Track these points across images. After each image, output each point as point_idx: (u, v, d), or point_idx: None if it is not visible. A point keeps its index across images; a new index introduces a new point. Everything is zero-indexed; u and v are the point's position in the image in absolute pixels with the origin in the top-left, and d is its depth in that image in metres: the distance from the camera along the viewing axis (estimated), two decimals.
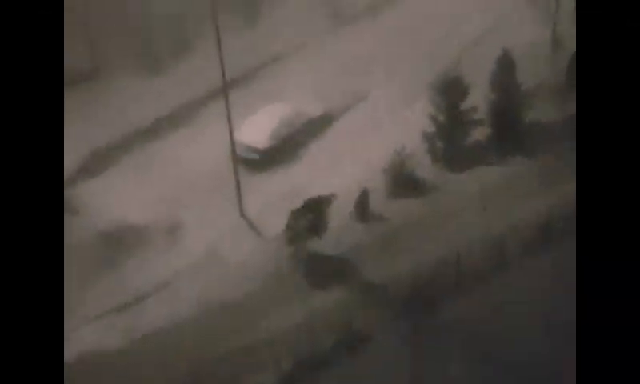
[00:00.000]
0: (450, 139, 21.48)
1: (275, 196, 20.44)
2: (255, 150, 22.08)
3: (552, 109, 23.01)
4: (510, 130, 21.80)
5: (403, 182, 20.26)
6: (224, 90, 19.53)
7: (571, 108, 21.98)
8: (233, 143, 19.94)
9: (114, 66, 27.49)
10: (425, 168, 20.83)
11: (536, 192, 19.68)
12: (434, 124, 21.44)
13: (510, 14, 29.30)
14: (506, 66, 22.04)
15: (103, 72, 27.56)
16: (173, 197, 20.71)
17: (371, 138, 22.77)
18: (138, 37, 28.16)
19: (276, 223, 19.05)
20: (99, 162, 22.80)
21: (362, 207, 19.45)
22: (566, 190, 18.81)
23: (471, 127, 21.73)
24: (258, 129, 22.53)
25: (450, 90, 21.31)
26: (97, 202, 20.65)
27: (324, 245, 18.50)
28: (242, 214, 19.91)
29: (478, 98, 21.70)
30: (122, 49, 27.94)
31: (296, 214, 18.15)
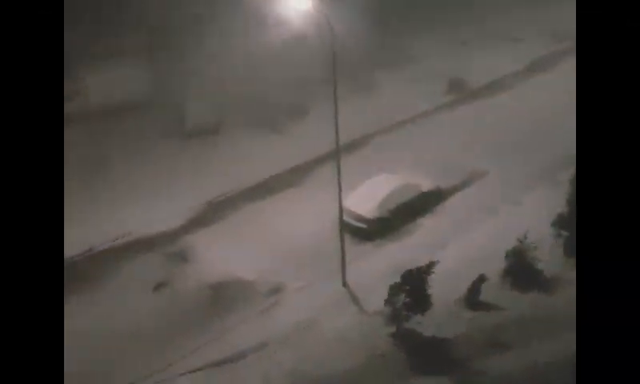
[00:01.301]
0: (574, 232, 19.83)
1: (380, 269, 19.48)
2: (363, 219, 21.46)
3: None
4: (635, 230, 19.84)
5: (521, 271, 18.76)
6: (337, 155, 19.38)
7: None
8: (341, 209, 19.54)
9: (233, 123, 28.61)
10: (547, 260, 19.18)
11: None
12: (565, 213, 19.88)
13: None
14: None
15: (223, 127, 28.75)
16: (278, 257, 20.41)
17: (484, 221, 21.60)
18: (259, 96, 29.24)
19: (379, 298, 18.13)
20: (212, 213, 23.15)
21: (474, 293, 18.17)
22: None
23: None
24: (367, 198, 21.96)
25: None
26: (206, 253, 20.78)
27: (426, 325, 17.39)
28: (345, 284, 19.21)
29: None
30: (242, 107, 29.09)
31: (395, 289, 17.24)
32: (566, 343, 16.01)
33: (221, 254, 20.56)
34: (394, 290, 17.13)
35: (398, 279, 17.60)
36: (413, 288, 17.03)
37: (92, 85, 28.94)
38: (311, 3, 18.84)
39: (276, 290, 19.27)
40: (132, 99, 29.01)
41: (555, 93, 29.26)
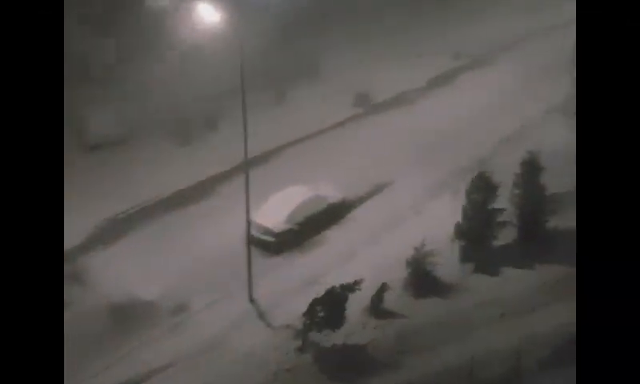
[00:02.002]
0: (475, 239, 20.71)
1: (288, 283, 19.51)
2: (271, 232, 21.34)
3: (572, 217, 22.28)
4: (534, 236, 21.06)
5: (422, 279, 19.34)
6: (245, 167, 19.22)
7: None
8: (248, 223, 19.38)
9: (140, 134, 27.66)
10: (446, 267, 19.85)
11: (554, 303, 18.38)
12: (462, 222, 20.73)
13: (537, 117, 29.34)
14: (531, 169, 21.59)
15: (129, 138, 27.74)
16: (183, 274, 19.85)
17: (391, 230, 22.07)
18: (168, 107, 28.49)
19: (288, 311, 18.14)
20: (113, 230, 22.29)
21: (379, 302, 18.50)
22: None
23: (498, 229, 21.02)
24: (275, 211, 21.90)
25: (479, 189, 20.75)
26: (106, 273, 19.85)
27: (335, 338, 17.48)
28: (252, 300, 18.95)
29: (505, 200, 21.16)
30: (149, 118, 28.21)
31: (316, 303, 17.25)
32: (465, 346, 16.73)
33: (121, 274, 19.77)
34: (315, 304, 17.10)
35: (306, 293, 17.67)
36: (333, 305, 17.12)
37: None
38: (220, 18, 18.70)
39: (182, 308, 18.76)
40: None
41: (454, 107, 30.58)
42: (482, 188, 20.76)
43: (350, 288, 17.35)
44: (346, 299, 17.26)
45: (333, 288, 17.27)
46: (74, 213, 22.38)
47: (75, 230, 21.66)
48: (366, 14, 40.06)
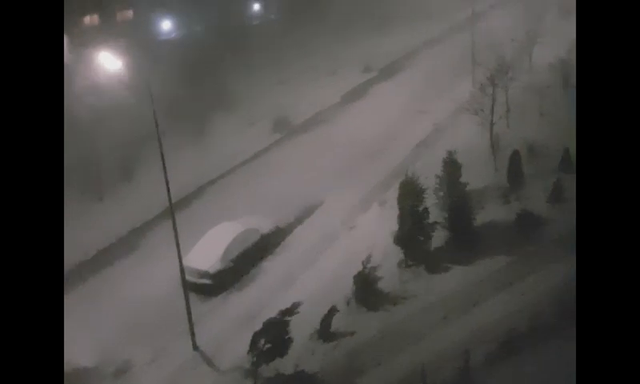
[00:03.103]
0: (411, 245, 20.81)
1: (231, 322, 18.76)
2: (206, 275, 20.52)
3: (500, 208, 23.04)
4: (464, 233, 21.47)
5: (368, 293, 19.23)
6: (170, 212, 18.51)
7: (517, 207, 22.24)
8: (182, 269, 18.58)
9: None
10: (387, 277, 19.82)
11: (493, 296, 18.72)
12: (396, 230, 20.79)
13: (447, 118, 30.30)
14: (452, 167, 22.08)
15: None
16: (120, 334, 18.80)
17: (327, 250, 21.94)
18: (80, 163, 27.25)
19: (234, 352, 17.46)
20: None
21: (326, 325, 18.18)
22: (523, 289, 18.67)
23: (429, 231, 21.23)
24: (208, 251, 21.11)
25: (406, 195, 20.92)
26: None
27: (286, 365, 17.00)
28: (196, 347, 18.16)
29: (432, 201, 21.51)
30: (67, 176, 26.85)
31: (258, 336, 16.70)
32: (415, 354, 16.67)
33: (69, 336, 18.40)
34: (256, 338, 16.57)
35: (250, 330, 17.10)
36: (275, 333, 16.60)
37: None
38: (125, 65, 18.08)
39: (123, 369, 17.64)
40: None
41: (369, 119, 31.10)
42: (409, 193, 20.97)
43: (289, 312, 16.94)
44: (286, 324, 16.85)
45: (270, 318, 16.82)
46: None
47: None
48: (272, 40, 40.37)
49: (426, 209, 20.83)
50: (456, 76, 34.38)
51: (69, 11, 39.52)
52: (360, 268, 19.39)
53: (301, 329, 17.69)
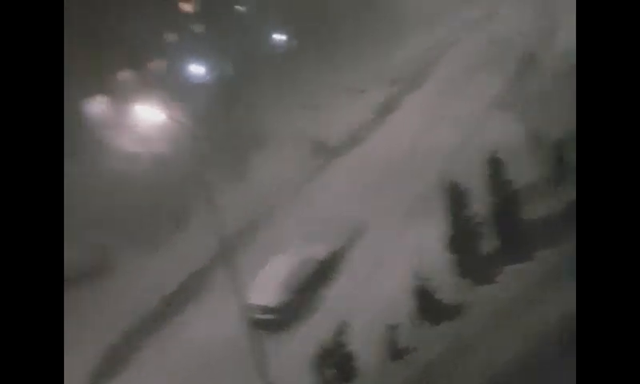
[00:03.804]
0: (464, 251, 20.70)
1: (302, 354, 19.11)
2: (269, 310, 20.89)
3: (547, 202, 22.65)
4: (513, 232, 21.18)
5: (430, 306, 19.19)
6: (225, 253, 18.95)
7: (565, 198, 21.81)
8: (245, 308, 18.96)
9: (109, 256, 27.11)
10: (446, 287, 19.77)
11: (553, 292, 18.39)
12: (447, 238, 20.72)
13: (484, 117, 29.96)
14: (495, 167, 21.89)
15: (102, 263, 27.17)
16: (193, 379, 19.35)
17: (382, 268, 21.95)
18: (134, 215, 28.06)
19: (311, 382, 17.74)
20: (114, 359, 21.54)
21: (392, 343, 18.26)
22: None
23: (478, 235, 21.10)
24: (267, 286, 21.49)
25: (452, 201, 20.82)
26: None
27: None
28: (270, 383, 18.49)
29: (479, 204, 21.34)
30: (118, 235, 27.72)
31: (320, 365, 16.91)
32: (483, 366, 16.51)
33: None
34: (319, 367, 16.78)
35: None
36: (335, 359, 16.78)
37: None
38: (164, 114, 18.79)
39: None
40: None
41: (403, 129, 31.06)
42: (453, 200, 20.91)
43: (339, 334, 17.01)
44: (343, 347, 16.94)
45: (325, 344, 16.94)
46: (70, 351, 21.75)
47: (77, 366, 20.98)
48: (295, 65, 40.75)
49: (472, 213, 20.73)
50: (481, 73, 34.09)
51: (102, 67, 41.02)
52: (416, 282, 19.41)
53: (366, 351, 17.82)
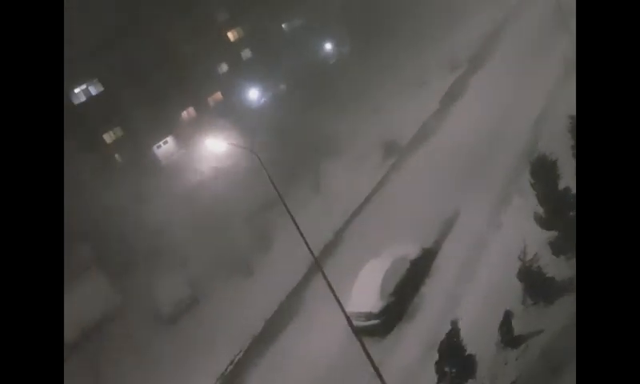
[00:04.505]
0: (561, 223, 19.71)
1: (412, 356, 18.74)
2: (372, 316, 20.51)
3: None
4: None
5: (539, 286, 18.36)
6: (318, 267, 18.83)
7: None
8: (349, 319, 18.73)
9: (204, 288, 27.78)
10: (553, 265, 18.88)
11: None
12: (543, 214, 19.80)
13: (551, 84, 28.68)
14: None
15: (197, 295, 27.94)
16: None
17: (482, 257, 21.11)
18: (227, 246, 28.67)
19: (427, 381, 17.29)
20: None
21: (508, 331, 17.52)
22: None
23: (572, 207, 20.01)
24: (365, 293, 21.07)
25: (541, 176, 19.88)
26: None
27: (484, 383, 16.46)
28: None
29: (569, 175, 20.33)
30: (212, 266, 28.43)
31: (439, 366, 16.42)
32: None
33: None
34: (439, 368, 16.33)
35: (431, 358, 16.89)
36: (454, 357, 16.28)
37: None
38: (231, 143, 19.10)
39: None
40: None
41: (474, 112, 30.19)
42: (543, 173, 19.95)
43: (454, 331, 16.42)
44: (459, 344, 16.36)
45: (441, 343, 16.43)
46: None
47: None
48: (353, 72, 40.69)
49: (566, 186, 19.73)
50: (546, 37, 32.67)
51: (169, 111, 42.75)
52: (519, 264, 18.61)
53: (482, 344, 17.17)
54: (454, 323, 16.51)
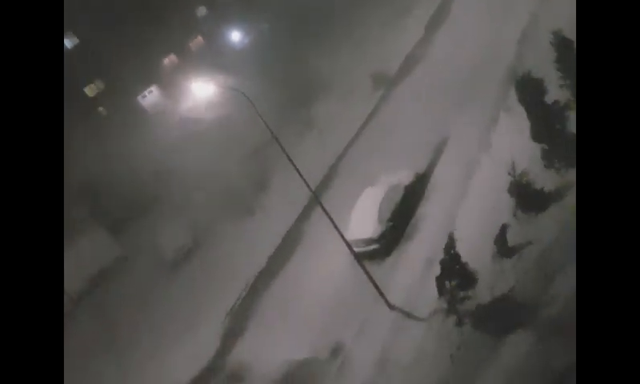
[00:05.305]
0: (549, 137, 20.30)
1: (413, 274, 19.51)
2: (372, 241, 21.28)
3: None
4: None
5: (531, 197, 19.05)
6: (317, 200, 19.42)
7: None
8: (350, 246, 19.49)
9: (204, 239, 28.32)
10: (541, 175, 19.36)
11: None
12: (531, 128, 20.33)
13: (538, 3, 28.58)
14: (562, 46, 21.03)
15: (198, 241, 28.61)
16: (317, 323, 19.96)
17: (475, 176, 21.63)
18: (228, 187, 29.08)
19: (428, 298, 18.11)
20: (237, 319, 22.90)
21: (503, 242, 18.33)
22: None
23: (562, 117, 20.54)
24: (363, 220, 21.80)
25: (527, 92, 20.26)
26: (262, 356, 20.30)
27: (482, 293, 17.32)
28: (393, 307, 18.78)
29: (555, 87, 20.72)
30: (213, 211, 28.92)
31: (441, 279, 17.26)
32: None
33: (272, 348, 20.20)
34: (440, 282, 17.13)
35: (431, 274, 17.74)
36: (454, 269, 17.07)
37: None
38: (217, 86, 19.19)
39: (338, 349, 18.96)
40: None
41: (460, 36, 30.06)
42: (530, 89, 20.34)
43: (452, 243, 17.17)
44: (458, 256, 17.15)
45: (443, 258, 17.19)
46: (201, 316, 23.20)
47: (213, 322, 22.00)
48: (338, 6, 40.05)
49: (554, 100, 20.17)
50: None
51: (150, 59, 42.02)
52: (512, 178, 19.24)
53: (479, 257, 17.97)
54: (451, 235, 17.24)
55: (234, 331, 22.48)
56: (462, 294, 17.28)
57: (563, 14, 25.23)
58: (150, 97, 45.83)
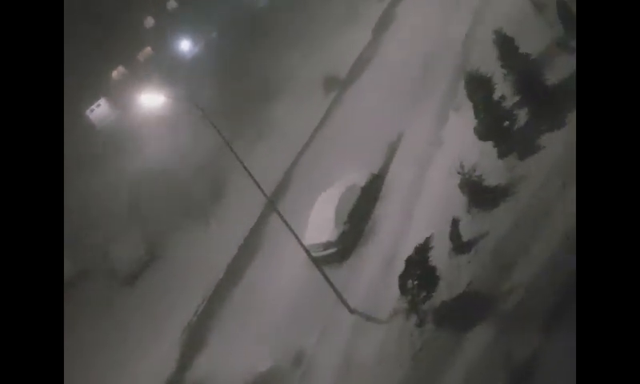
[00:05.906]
0: (500, 134, 20.53)
1: (371, 276, 19.47)
2: (329, 244, 21.07)
3: (570, 60, 22.10)
4: (543, 100, 20.76)
5: (481, 194, 19.18)
6: (272, 207, 19.14)
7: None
8: (307, 251, 19.26)
9: (158, 250, 27.56)
10: (493, 172, 19.73)
11: None
12: (479, 127, 20.57)
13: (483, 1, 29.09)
14: (505, 44, 21.35)
15: (154, 253, 27.79)
16: (281, 329, 19.68)
17: (428, 174, 21.71)
18: (181, 198, 28.43)
19: (388, 299, 18.02)
20: (196, 333, 22.29)
21: (457, 237, 18.40)
22: None
23: (511, 114, 20.85)
24: (320, 223, 21.61)
25: (475, 89, 20.47)
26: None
27: (441, 290, 17.31)
28: (352, 311, 18.61)
29: (501, 85, 21.00)
30: (167, 221, 28.19)
31: (404, 278, 17.14)
32: (555, 225, 16.51)
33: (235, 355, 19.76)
34: (403, 280, 17.00)
35: (392, 274, 17.62)
36: (418, 268, 16.98)
37: None
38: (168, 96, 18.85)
39: (300, 356, 18.63)
40: None
41: (407, 38, 30.29)
42: (477, 87, 20.58)
43: (426, 246, 17.19)
44: (426, 258, 17.15)
45: (410, 256, 17.12)
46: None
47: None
48: (284, 14, 39.84)
49: (501, 95, 20.43)
50: None
51: (98, 72, 40.93)
52: (462, 176, 19.35)
53: (436, 255, 17.91)
54: (428, 240, 17.13)
55: (194, 344, 21.93)
56: (423, 293, 17.18)
57: (503, 12, 25.90)
58: (99, 110, 44.58)
